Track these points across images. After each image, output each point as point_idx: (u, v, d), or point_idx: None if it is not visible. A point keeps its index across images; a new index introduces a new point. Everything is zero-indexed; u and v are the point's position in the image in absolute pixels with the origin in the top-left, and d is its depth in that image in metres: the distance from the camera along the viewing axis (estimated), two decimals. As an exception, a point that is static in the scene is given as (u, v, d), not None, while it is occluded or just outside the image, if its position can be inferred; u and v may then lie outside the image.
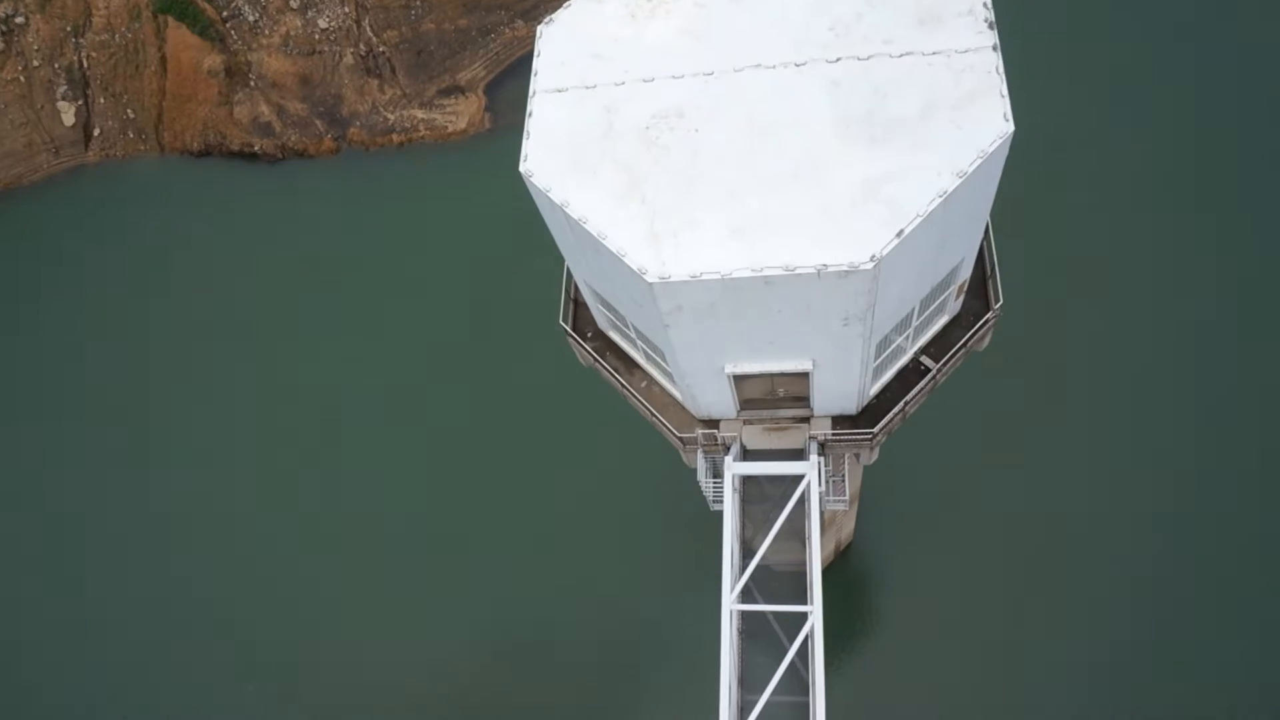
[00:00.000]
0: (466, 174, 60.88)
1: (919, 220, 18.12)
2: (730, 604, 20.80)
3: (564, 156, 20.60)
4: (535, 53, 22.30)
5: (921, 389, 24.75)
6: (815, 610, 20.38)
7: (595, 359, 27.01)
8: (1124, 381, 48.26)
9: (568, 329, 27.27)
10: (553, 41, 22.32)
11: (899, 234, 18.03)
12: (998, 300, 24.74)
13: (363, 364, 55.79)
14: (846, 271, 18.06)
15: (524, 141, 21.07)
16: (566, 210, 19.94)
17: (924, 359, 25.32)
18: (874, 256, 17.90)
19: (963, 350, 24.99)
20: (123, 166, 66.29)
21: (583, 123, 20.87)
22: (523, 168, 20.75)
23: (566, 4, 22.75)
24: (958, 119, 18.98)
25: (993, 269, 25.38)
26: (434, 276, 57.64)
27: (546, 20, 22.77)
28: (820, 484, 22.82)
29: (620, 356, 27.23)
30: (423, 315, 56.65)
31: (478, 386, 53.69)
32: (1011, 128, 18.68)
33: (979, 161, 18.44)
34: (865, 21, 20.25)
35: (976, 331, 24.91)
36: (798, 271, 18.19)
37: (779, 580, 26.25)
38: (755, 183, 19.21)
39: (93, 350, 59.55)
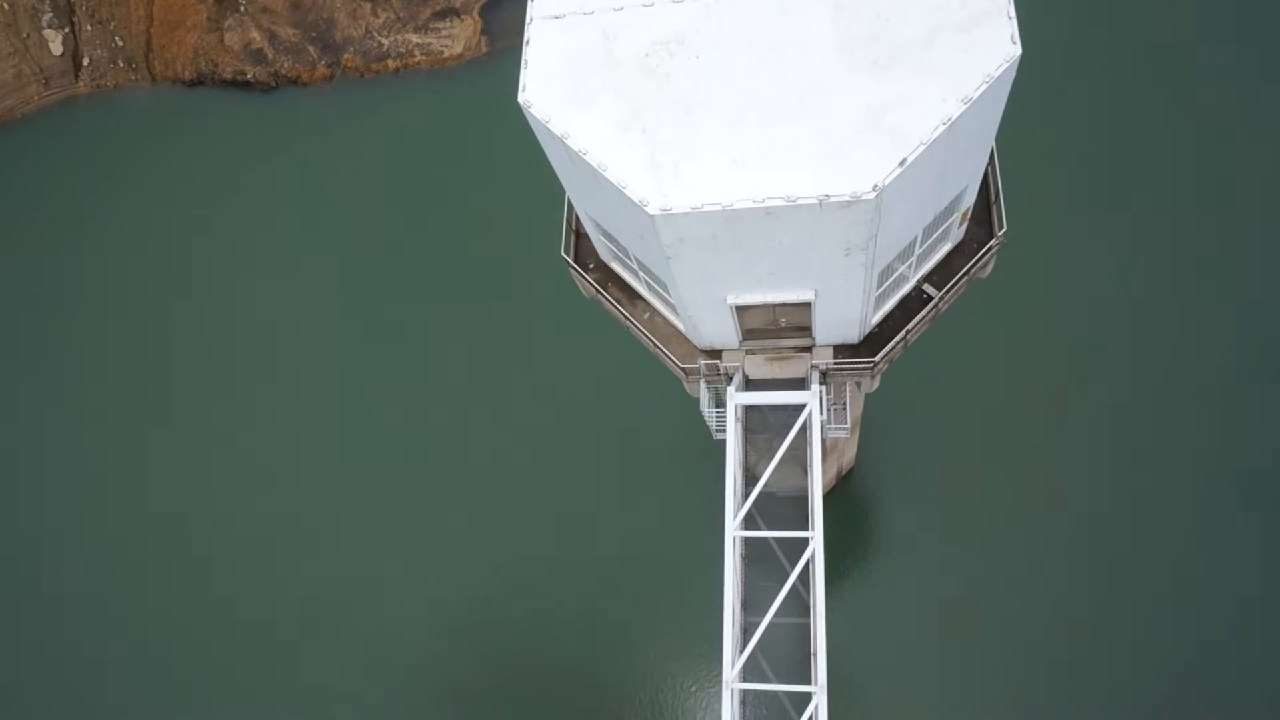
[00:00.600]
0: (463, 101, 59.89)
1: (922, 149, 17.94)
2: (733, 530, 21.30)
3: (563, 86, 20.27)
4: (531, -24, 21.78)
5: (923, 317, 24.82)
6: (816, 536, 20.87)
7: (597, 290, 27.04)
8: (1125, 307, 48.21)
9: (569, 260, 27.22)
10: (549, -36, 21.75)
11: (902, 163, 17.88)
12: (1001, 227, 24.59)
13: (362, 291, 55.82)
14: (849, 201, 17.97)
15: (522, 71, 20.72)
16: (567, 142, 19.74)
17: (927, 287, 25.32)
18: (876, 186, 17.80)
19: (965, 278, 24.95)
20: (114, 96, 65.19)
21: (581, 51, 20.47)
22: (521, 98, 20.45)
23: (563, -75, 22.09)
24: (964, 43, 18.59)
25: (997, 195, 25.14)
26: (432, 206, 57.23)
27: (542, -58, 22.16)
28: (822, 413, 23.08)
29: (622, 288, 27.25)
30: (421, 244, 56.43)
31: (477, 314, 53.82)
32: (1019, 51, 18.32)
33: (985, 87, 18.15)
34: (870, -59, 19.69)
35: (979, 259, 24.83)
36: (799, 202, 18.11)
37: (781, 506, 26.76)
38: (757, 111, 18.95)
39: (91, 286, 59.52)
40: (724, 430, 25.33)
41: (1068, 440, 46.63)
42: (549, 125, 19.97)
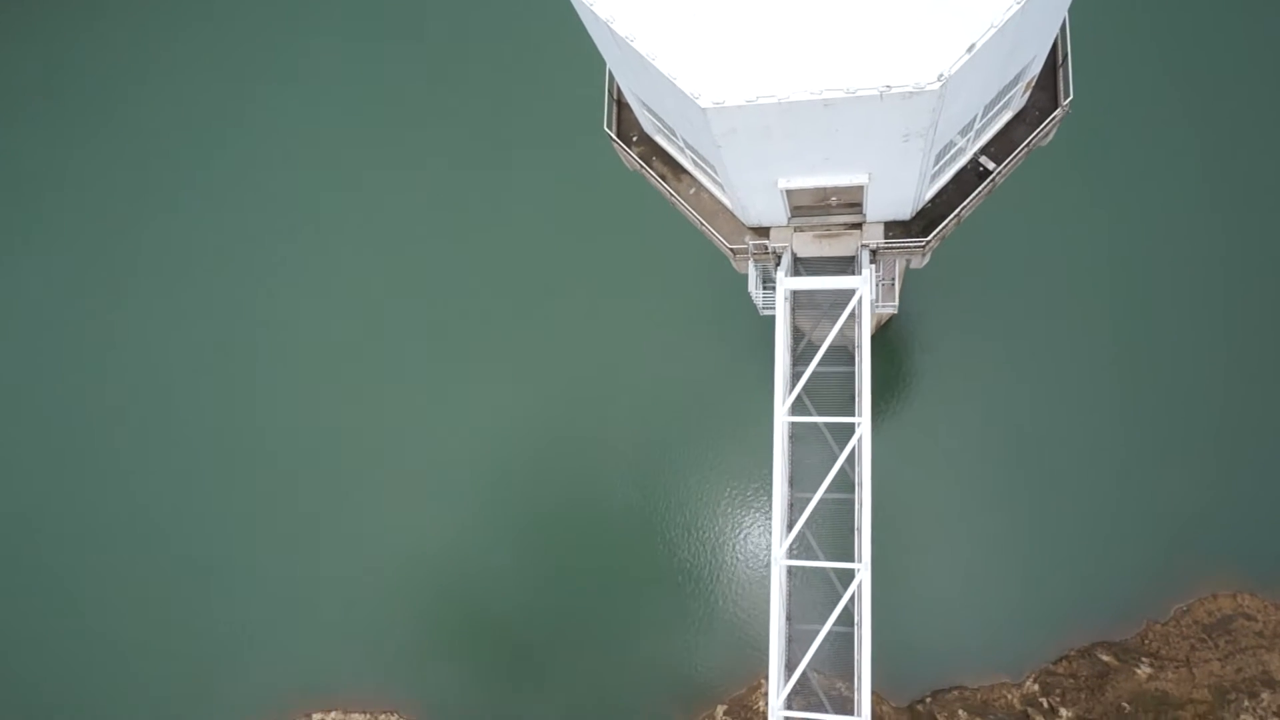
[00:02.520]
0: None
1: (993, 32, 16.87)
2: (782, 417, 21.70)
3: (605, -38, 19.05)
4: None
5: (979, 193, 24.05)
6: (864, 422, 21.23)
7: (641, 165, 26.41)
8: (1175, 180, 45.98)
9: (612, 135, 26.45)
10: None
11: (970, 49, 16.88)
12: (1067, 95, 23.29)
13: (399, 157, 54.72)
14: (911, 93, 17.14)
15: (562, -55, 19.45)
16: (613, 27, 18.77)
17: (984, 159, 24.38)
18: (941, 75, 16.90)
19: (1025, 150, 23.94)
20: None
21: (623, -80, 19.06)
22: (562, -23, 19.30)
23: None
24: (1044, -93, 17.08)
25: (1065, 58, 23.65)
26: (472, 74, 55.03)
27: None
28: (871, 293, 22.89)
29: (667, 162, 26.58)
30: (458, 110, 54.64)
31: (519, 179, 52.81)
32: (1104, -84, 16.77)
33: (1064, -41, 16.81)
34: None
35: (1041, 130, 23.71)
36: (859, 94, 17.31)
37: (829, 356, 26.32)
38: (814, -11, 17.77)
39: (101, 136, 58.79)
40: (771, 308, 25.33)
41: (1110, 285, 45.95)
42: (593, 8, 18.93)
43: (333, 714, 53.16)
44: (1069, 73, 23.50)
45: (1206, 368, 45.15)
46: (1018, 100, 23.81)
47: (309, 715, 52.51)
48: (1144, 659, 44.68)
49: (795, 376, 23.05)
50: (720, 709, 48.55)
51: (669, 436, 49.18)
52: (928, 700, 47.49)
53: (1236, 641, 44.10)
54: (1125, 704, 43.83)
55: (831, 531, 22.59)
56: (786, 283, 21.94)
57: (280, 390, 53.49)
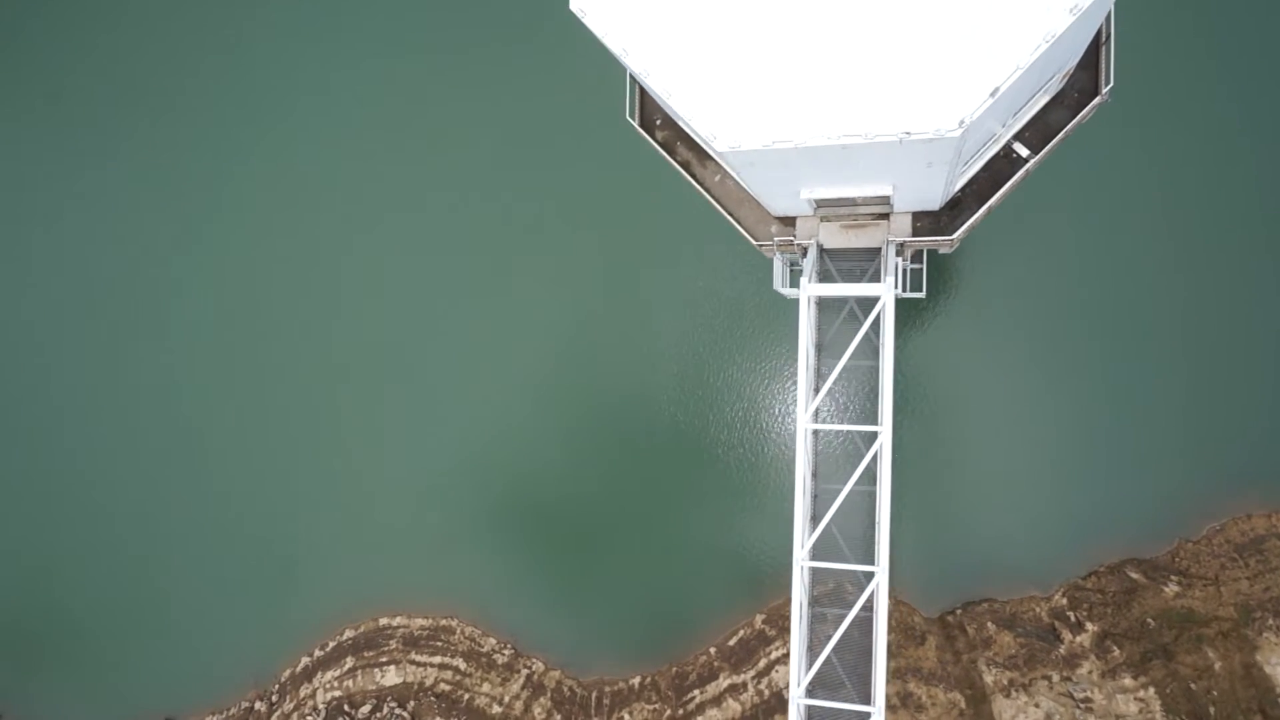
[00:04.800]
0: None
1: (1019, 74, 16.23)
2: (805, 424, 22.12)
3: (618, -9, 18.43)
4: None
5: (1012, 185, 23.37)
6: (885, 431, 21.53)
7: (664, 154, 26.02)
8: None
9: (634, 124, 25.97)
10: None
11: (994, 93, 16.31)
12: (1109, 82, 22.15)
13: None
14: (931, 139, 16.73)
15: (572, -30, 18.78)
16: (626, 61, 18.39)
17: (1017, 146, 23.55)
18: (963, 121, 16.44)
19: (1061, 138, 23.05)
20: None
21: (636, -56, 18.30)
22: (574, 5, 18.75)
23: None
24: (1079, -71, 16.00)
25: (1107, 37, 22.37)
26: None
27: None
28: (896, 290, 22.71)
29: (692, 147, 26.13)
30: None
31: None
32: (1144, -57, 15.71)
33: (1099, -9, 15.91)
34: None
35: (1081, 118, 22.72)
36: (878, 140, 16.94)
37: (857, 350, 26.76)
38: (834, 25, 17.12)
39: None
40: (798, 294, 25.28)
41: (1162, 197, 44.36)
42: (606, 40, 18.50)
43: (398, 618, 57.42)
44: (1112, 54, 22.30)
45: (1261, 290, 43.83)
46: (1055, 83, 22.78)
47: (377, 620, 56.79)
48: (1173, 576, 45.80)
49: (821, 377, 23.39)
50: (759, 618, 51.30)
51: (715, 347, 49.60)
52: (958, 612, 49.53)
53: (1267, 561, 44.82)
54: (1150, 620, 45.33)
55: (858, 526, 23.34)
56: (811, 289, 21.88)
57: (342, 306, 54.46)
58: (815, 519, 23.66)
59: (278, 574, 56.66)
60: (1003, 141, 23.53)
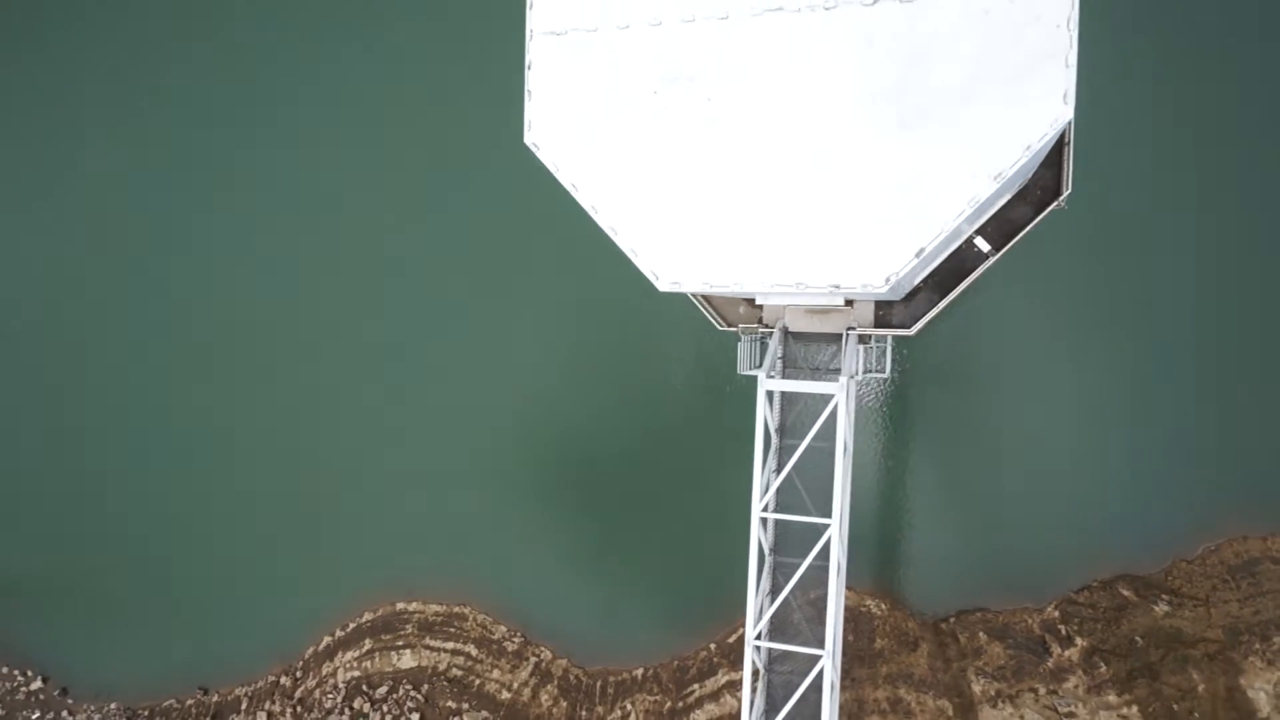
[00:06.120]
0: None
1: (941, 237, 16.77)
2: (758, 512, 23.09)
3: (570, 126, 19.14)
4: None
5: (973, 278, 23.68)
6: (835, 525, 22.49)
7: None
8: None
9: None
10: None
11: (919, 253, 16.91)
12: (1067, 188, 22.28)
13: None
14: (859, 292, 17.39)
15: (526, 103, 19.45)
16: (576, 195, 19.15)
17: (979, 241, 23.83)
18: (889, 278, 17.08)
19: (1021, 236, 23.29)
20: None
21: (587, 82, 18.92)
22: (528, 138, 19.51)
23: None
24: (1007, 96, 16.38)
25: (1068, 141, 22.39)
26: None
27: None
28: (847, 406, 22.97)
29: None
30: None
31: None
32: (1069, 114, 16.08)
33: (1023, 160, 16.29)
34: (912, -50, 16.52)
35: (1041, 218, 22.90)
36: (810, 290, 17.64)
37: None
38: (770, 175, 17.72)
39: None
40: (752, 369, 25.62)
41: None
42: (558, 173, 19.25)
43: (414, 604, 60.13)
44: (1070, 160, 22.40)
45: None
46: (1017, 183, 22.97)
47: (394, 604, 59.51)
48: (1164, 595, 46.38)
49: (780, 460, 24.26)
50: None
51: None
52: (951, 620, 50.75)
53: (1259, 584, 45.14)
54: (1138, 638, 46.16)
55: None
56: (769, 384, 22.59)
57: (368, 302, 55.65)
58: (774, 592, 24.85)
59: (305, 555, 59.34)
60: (964, 236, 23.85)
